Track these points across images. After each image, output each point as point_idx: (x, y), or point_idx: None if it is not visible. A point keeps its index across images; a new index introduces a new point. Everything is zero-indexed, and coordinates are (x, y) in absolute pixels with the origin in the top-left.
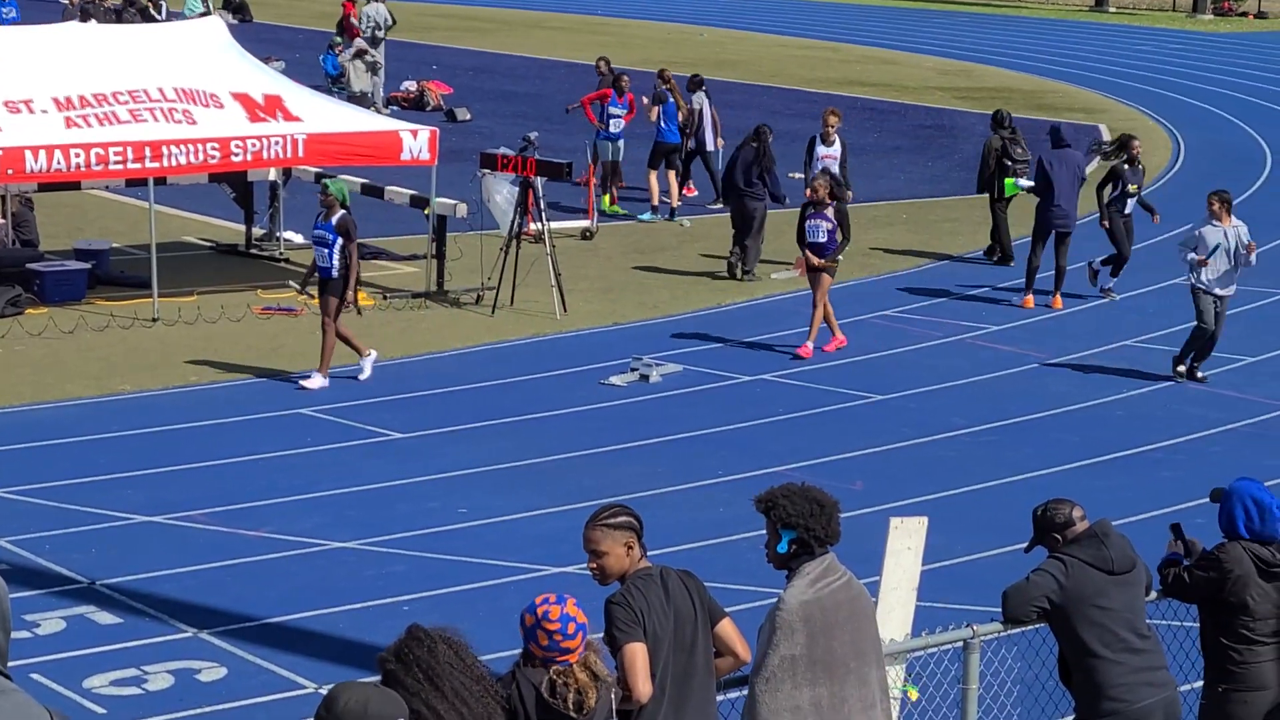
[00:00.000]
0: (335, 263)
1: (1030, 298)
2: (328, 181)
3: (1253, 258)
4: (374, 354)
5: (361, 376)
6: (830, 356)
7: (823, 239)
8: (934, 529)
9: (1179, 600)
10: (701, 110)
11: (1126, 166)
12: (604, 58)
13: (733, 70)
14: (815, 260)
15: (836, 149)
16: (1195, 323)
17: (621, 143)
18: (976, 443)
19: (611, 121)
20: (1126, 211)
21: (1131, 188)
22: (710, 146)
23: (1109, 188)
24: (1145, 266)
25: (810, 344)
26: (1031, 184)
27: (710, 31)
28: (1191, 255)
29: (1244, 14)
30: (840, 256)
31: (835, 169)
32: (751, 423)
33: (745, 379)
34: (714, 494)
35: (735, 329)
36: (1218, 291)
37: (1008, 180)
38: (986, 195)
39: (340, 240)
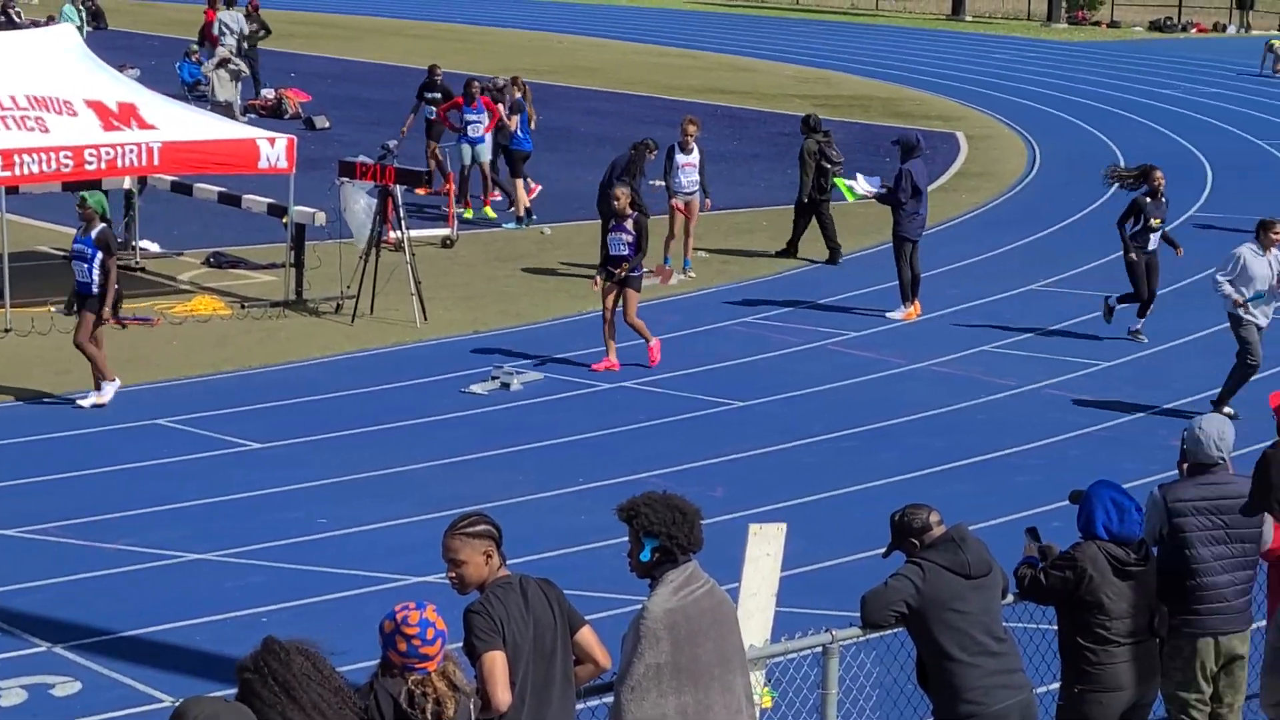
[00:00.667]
0: (95, 278)
1: (916, 306)
2: (85, 195)
3: None
4: (117, 382)
5: (87, 402)
6: (692, 363)
7: (624, 251)
8: (794, 535)
9: (1035, 602)
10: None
11: (1149, 199)
12: (435, 65)
13: (592, 77)
14: (618, 274)
15: (695, 157)
16: (1240, 356)
17: (482, 147)
18: (837, 448)
19: (469, 127)
20: (1150, 248)
21: (1154, 221)
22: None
23: (1130, 221)
24: (1002, 274)
25: (654, 348)
26: (880, 191)
27: (569, 39)
28: (1230, 292)
29: (1097, 23)
30: (644, 268)
31: (695, 176)
32: (612, 430)
33: (606, 386)
34: (575, 502)
35: (596, 337)
36: (1261, 322)
37: (838, 180)
38: (808, 200)
39: (100, 255)
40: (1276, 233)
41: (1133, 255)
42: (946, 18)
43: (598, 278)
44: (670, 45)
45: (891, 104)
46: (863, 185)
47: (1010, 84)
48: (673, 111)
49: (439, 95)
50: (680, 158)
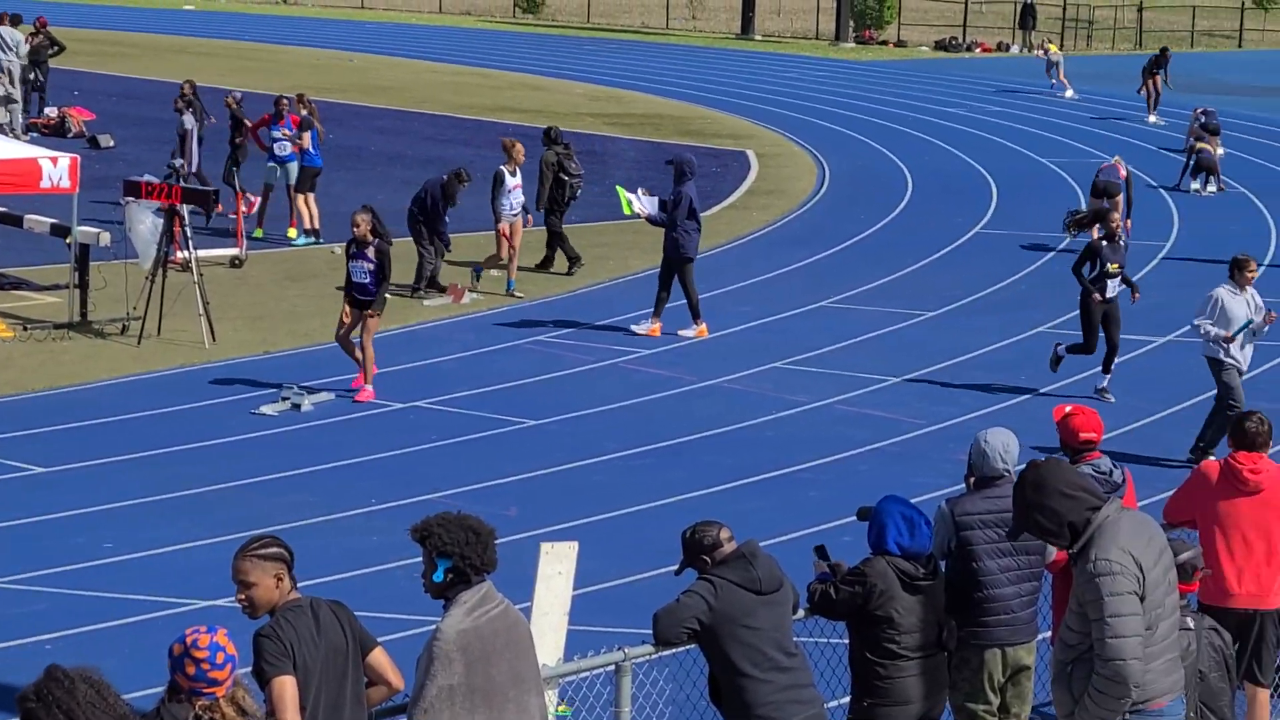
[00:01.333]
0: None
1: (658, 325)
2: None
3: (1266, 327)
4: None
5: None
6: (484, 382)
7: (365, 279)
8: (587, 553)
9: (826, 617)
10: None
11: (1105, 243)
12: (189, 80)
13: (384, 96)
14: (362, 304)
15: (520, 178)
16: (1221, 400)
17: (291, 166)
18: (629, 466)
19: (276, 145)
20: (1109, 295)
21: (1112, 267)
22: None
23: (1086, 266)
24: (792, 291)
25: (369, 386)
26: (659, 215)
27: (360, 57)
28: (1215, 331)
29: (884, 42)
30: (386, 296)
31: (520, 198)
32: (405, 450)
33: (398, 406)
34: (367, 523)
35: (388, 356)
36: (1243, 365)
37: (620, 190)
38: (545, 210)
39: None
40: (1251, 270)
41: (1096, 296)
42: (736, 37)
43: (346, 307)
44: (462, 64)
45: (683, 122)
46: (639, 204)
47: (800, 102)
48: (464, 130)
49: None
50: (510, 180)
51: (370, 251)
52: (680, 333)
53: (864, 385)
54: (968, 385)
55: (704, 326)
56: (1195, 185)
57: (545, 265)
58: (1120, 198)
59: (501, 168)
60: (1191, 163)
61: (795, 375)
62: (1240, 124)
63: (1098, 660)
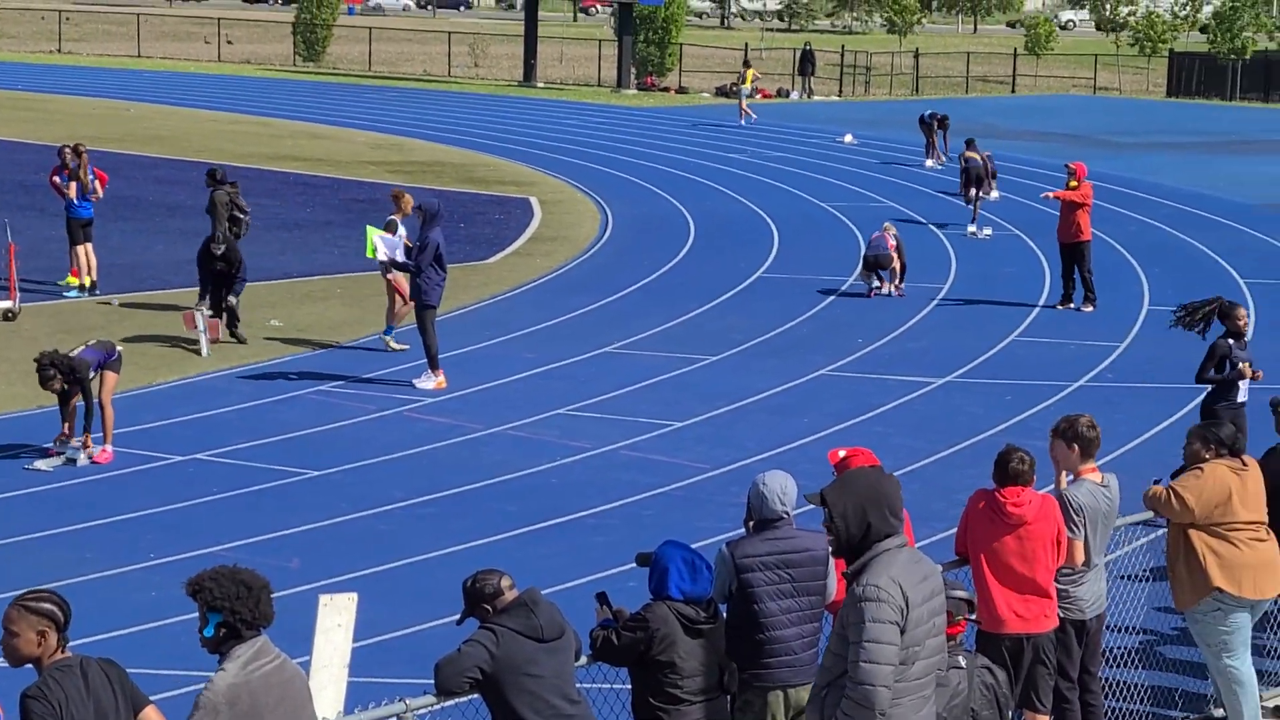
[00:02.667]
0: None
1: (442, 375)
2: None
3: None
4: None
5: None
6: (266, 433)
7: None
8: (371, 603)
9: (608, 663)
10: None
11: (1230, 341)
12: None
13: (160, 145)
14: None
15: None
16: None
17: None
18: (414, 515)
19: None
20: (1240, 400)
21: (1244, 367)
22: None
23: (1211, 372)
24: (576, 337)
25: (108, 446)
26: (404, 260)
27: (137, 106)
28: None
29: (666, 89)
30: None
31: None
32: (185, 503)
33: (178, 459)
34: (146, 578)
35: (167, 408)
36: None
37: (370, 230)
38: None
39: None
40: (1240, 316)
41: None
42: (518, 84)
43: None
44: (242, 113)
45: (465, 170)
46: (383, 249)
47: (582, 149)
48: (243, 180)
49: None
50: (403, 231)
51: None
52: (415, 383)
53: (648, 430)
54: (750, 429)
55: (442, 378)
56: (972, 229)
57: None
58: (895, 266)
59: (392, 217)
60: (976, 199)
61: (580, 421)
62: (1014, 167)
63: (849, 682)
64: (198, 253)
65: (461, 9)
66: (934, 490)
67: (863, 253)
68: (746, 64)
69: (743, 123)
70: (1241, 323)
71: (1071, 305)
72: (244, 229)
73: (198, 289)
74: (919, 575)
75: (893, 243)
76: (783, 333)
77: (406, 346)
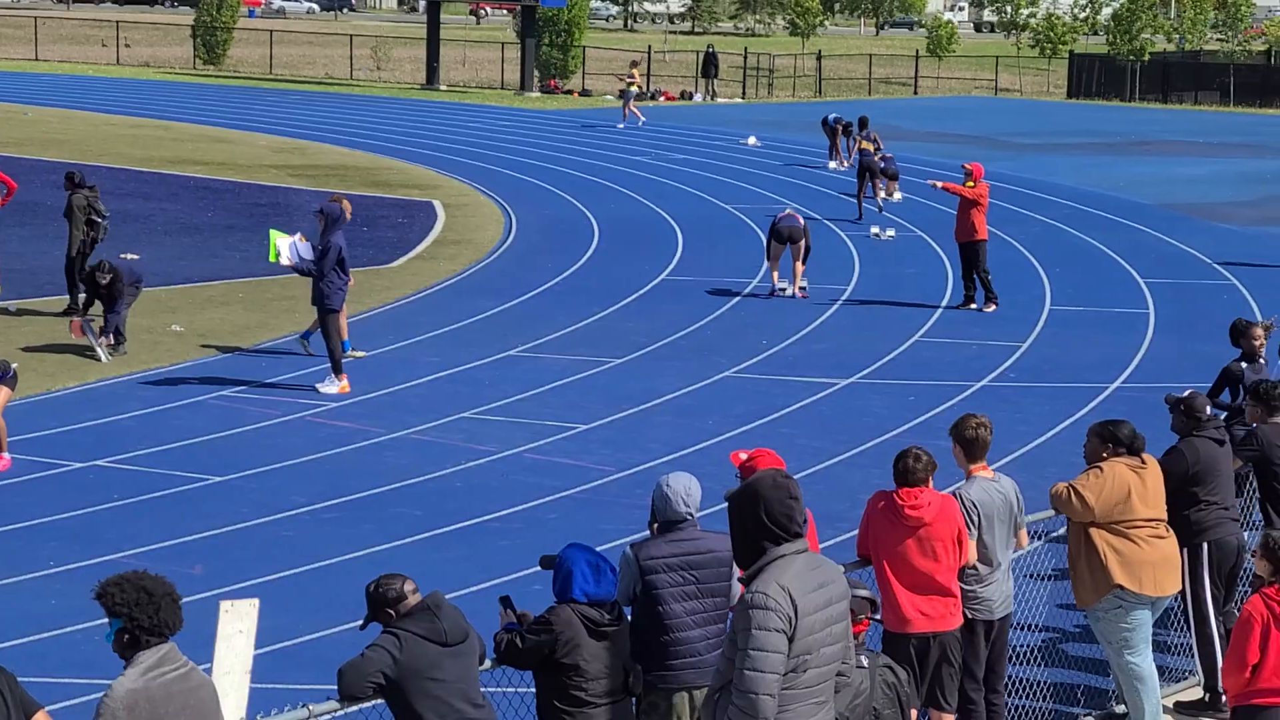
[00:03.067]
0: None
1: (345, 380)
2: None
3: None
4: None
5: None
6: (168, 439)
7: None
8: (275, 609)
9: (513, 666)
10: None
11: (1244, 364)
12: None
13: (59, 150)
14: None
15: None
16: None
17: None
18: (317, 520)
19: None
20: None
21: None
22: None
23: (1224, 395)
24: (481, 340)
25: (4, 454)
26: (305, 264)
27: (35, 110)
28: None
29: (569, 91)
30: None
31: None
32: (86, 510)
33: (77, 465)
34: (47, 586)
35: (67, 414)
36: None
37: (272, 233)
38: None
39: None
40: (1255, 336)
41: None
42: (421, 87)
43: None
44: (142, 116)
45: (369, 173)
46: (286, 254)
47: (486, 152)
48: (144, 184)
49: None
50: (299, 235)
51: None
52: (319, 388)
53: (552, 433)
54: (654, 431)
55: (346, 383)
56: (875, 229)
57: (75, 310)
58: (801, 244)
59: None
60: (868, 192)
61: (484, 424)
62: (917, 168)
63: (735, 690)
64: (67, 262)
65: (345, 10)
66: (838, 491)
67: (771, 226)
68: (634, 64)
69: (621, 126)
70: (1258, 343)
71: (973, 306)
72: (102, 233)
73: (69, 297)
74: (814, 583)
75: (801, 221)
76: (687, 335)
77: (363, 354)
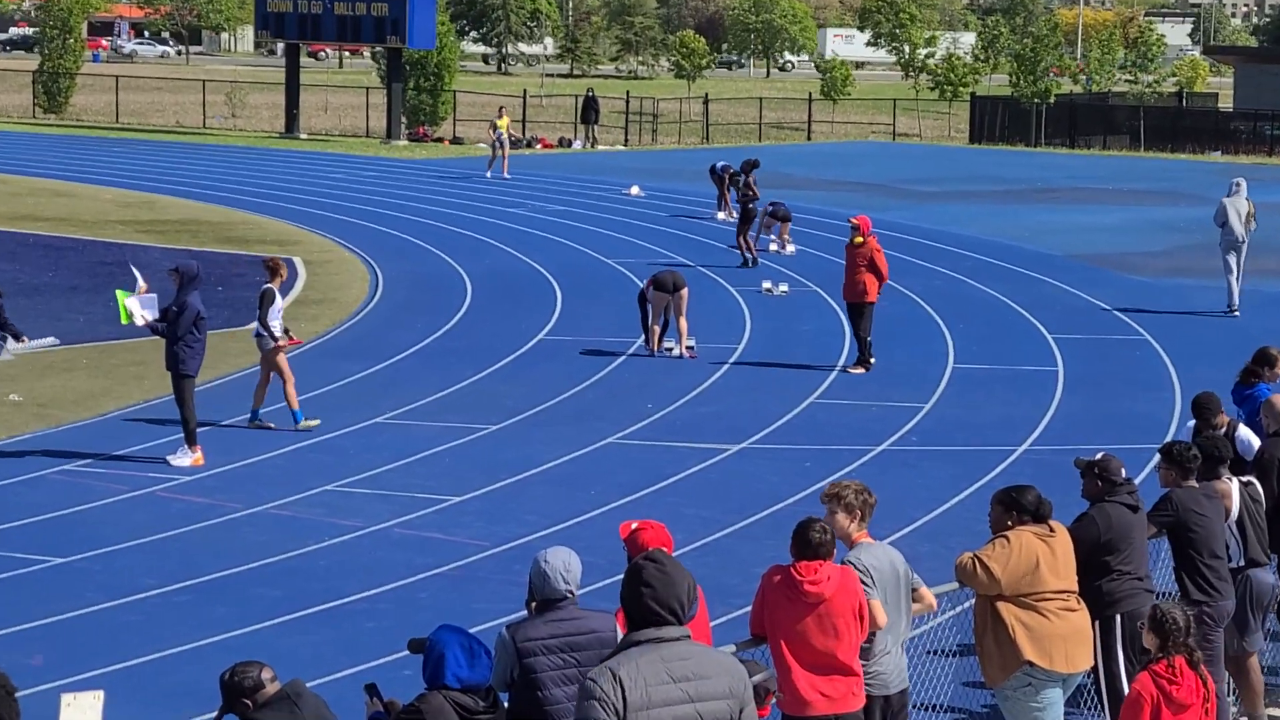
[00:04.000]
0: None
1: (199, 451)
2: None
3: None
4: None
5: None
6: (7, 517)
7: None
8: (121, 701)
9: None
10: None
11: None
12: None
13: None
14: None
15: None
16: None
17: None
18: (167, 604)
19: None
20: None
21: None
22: None
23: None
24: (345, 406)
25: None
26: (162, 325)
27: None
28: None
29: (439, 139)
30: None
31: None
32: None
33: None
34: None
35: None
36: None
37: (120, 295)
38: None
39: None
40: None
41: None
42: (280, 136)
43: None
44: None
45: (223, 228)
46: (140, 314)
47: (350, 205)
48: None
49: None
50: (280, 301)
51: None
52: (170, 460)
53: (423, 506)
54: (533, 502)
55: (199, 454)
56: (767, 284)
57: None
58: (685, 292)
59: (269, 285)
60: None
61: (349, 498)
62: (810, 219)
63: None
64: None
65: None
66: (729, 565)
67: (651, 279)
68: (500, 111)
69: (488, 175)
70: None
71: (861, 368)
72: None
73: None
74: (673, 675)
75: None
76: (567, 399)
77: (317, 421)
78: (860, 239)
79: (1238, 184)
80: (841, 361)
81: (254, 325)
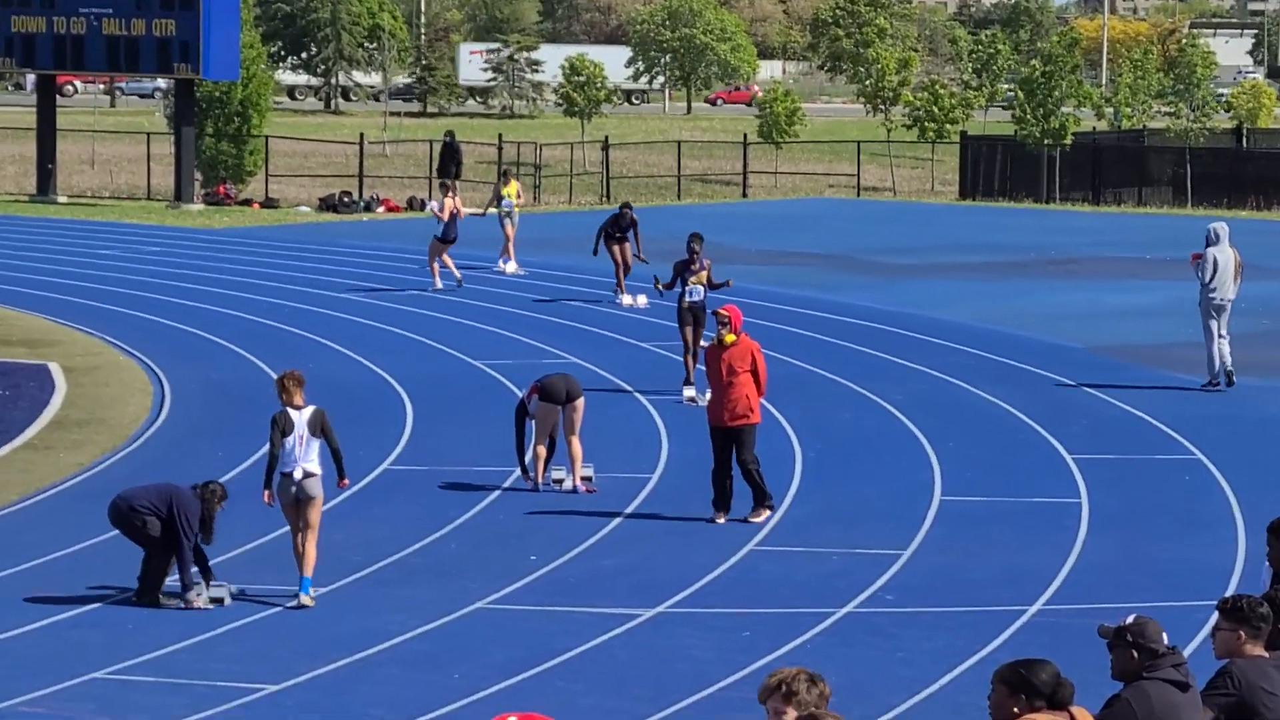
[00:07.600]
0: None
1: None
2: None
3: None
4: None
5: None
6: None
7: None
8: None
9: None
10: None
11: None
12: None
13: None
14: None
15: None
16: None
17: None
18: None
19: None
20: None
21: None
22: None
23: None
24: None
25: None
26: None
27: None
28: None
29: (248, 202)
30: None
31: None
32: None
33: None
34: None
35: None
36: None
37: None
38: None
39: None
40: None
41: None
42: (30, 199)
43: None
44: None
45: None
46: None
47: (126, 291)
48: None
49: None
50: None
51: None
52: None
53: (228, 698)
54: (377, 690)
55: None
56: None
57: None
58: (581, 402)
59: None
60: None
61: (128, 688)
62: (747, 303)
63: None
64: None
65: None
66: None
67: (534, 386)
68: (504, 174)
69: (503, 267)
70: None
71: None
72: None
73: None
74: None
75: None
76: (421, 549)
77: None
78: (732, 336)
79: (1218, 231)
80: (792, 492)
81: None
